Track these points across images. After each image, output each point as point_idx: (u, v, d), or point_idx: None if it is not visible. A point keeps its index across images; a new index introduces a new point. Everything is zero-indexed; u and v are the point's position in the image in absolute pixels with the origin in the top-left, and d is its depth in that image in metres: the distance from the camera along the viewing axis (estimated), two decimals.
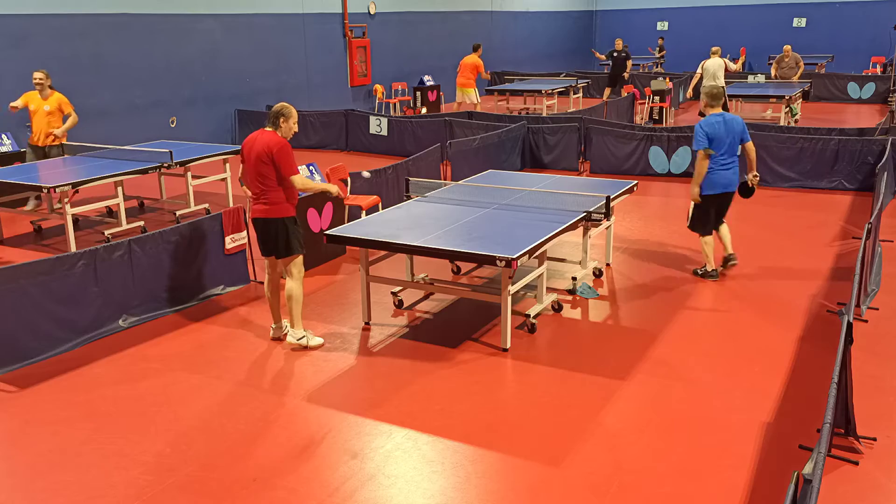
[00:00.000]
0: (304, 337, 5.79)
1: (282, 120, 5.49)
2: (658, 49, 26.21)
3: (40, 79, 9.48)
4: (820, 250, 7.89)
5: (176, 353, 5.79)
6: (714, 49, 15.20)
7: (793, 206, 9.69)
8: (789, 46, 17.65)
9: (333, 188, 5.82)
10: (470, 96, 15.68)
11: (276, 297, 5.96)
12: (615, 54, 17.94)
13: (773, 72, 17.66)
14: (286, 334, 5.93)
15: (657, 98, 16.11)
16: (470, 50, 16.82)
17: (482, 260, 5.33)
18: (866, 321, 6.05)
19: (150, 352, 5.81)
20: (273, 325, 6.02)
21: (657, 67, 24.98)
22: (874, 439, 4.38)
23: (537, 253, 5.68)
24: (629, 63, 18.06)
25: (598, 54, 20.16)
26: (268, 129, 5.53)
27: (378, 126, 13.86)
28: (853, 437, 4.36)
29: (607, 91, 17.88)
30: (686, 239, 8.38)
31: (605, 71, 19.80)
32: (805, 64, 22.37)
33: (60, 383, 5.31)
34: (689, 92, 16.16)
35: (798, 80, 17.19)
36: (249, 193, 5.71)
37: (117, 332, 6.14)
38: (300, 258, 5.74)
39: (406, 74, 19.36)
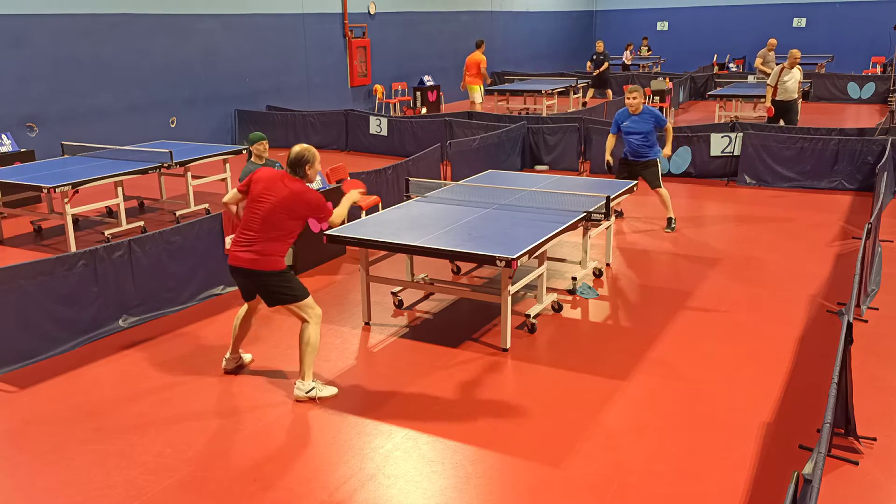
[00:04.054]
0: (313, 389, 5.00)
1: (307, 167, 4.88)
2: (645, 49, 26.16)
3: None
4: (820, 250, 7.89)
5: (175, 353, 5.79)
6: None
7: (793, 206, 9.69)
8: (774, 41, 16.54)
9: (355, 196, 5.20)
10: (474, 95, 15.65)
11: (245, 326, 5.35)
12: (595, 57, 19.02)
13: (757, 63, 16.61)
14: (244, 364, 5.49)
15: (657, 98, 16.10)
16: (473, 48, 16.74)
17: (482, 260, 5.33)
18: (866, 321, 6.05)
19: (150, 352, 5.81)
20: (227, 356, 5.41)
21: (656, 67, 24.98)
22: (874, 439, 4.38)
23: (537, 253, 5.68)
24: (606, 64, 19.15)
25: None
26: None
27: (378, 126, 13.86)
28: (853, 437, 4.36)
29: (591, 92, 18.91)
30: (686, 239, 8.38)
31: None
32: (805, 64, 22.33)
33: (60, 383, 5.32)
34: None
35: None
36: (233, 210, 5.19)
37: (117, 332, 6.14)
38: (309, 300, 4.97)
39: (406, 74, 19.35)
